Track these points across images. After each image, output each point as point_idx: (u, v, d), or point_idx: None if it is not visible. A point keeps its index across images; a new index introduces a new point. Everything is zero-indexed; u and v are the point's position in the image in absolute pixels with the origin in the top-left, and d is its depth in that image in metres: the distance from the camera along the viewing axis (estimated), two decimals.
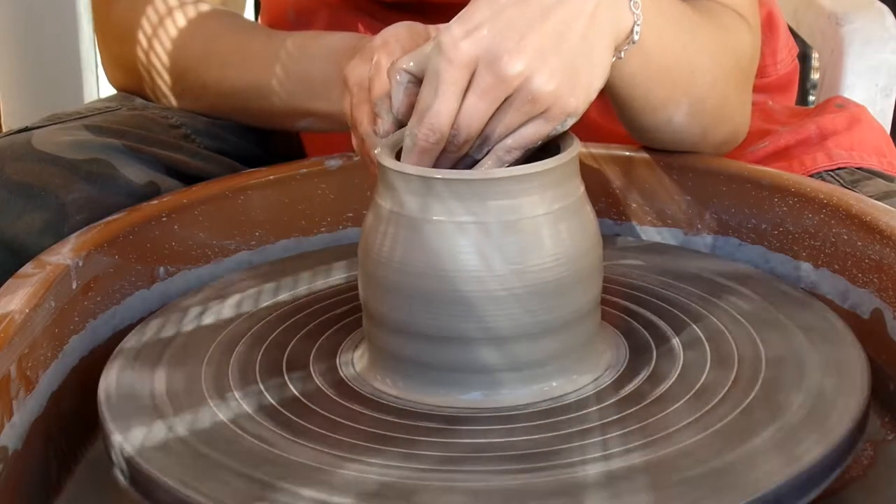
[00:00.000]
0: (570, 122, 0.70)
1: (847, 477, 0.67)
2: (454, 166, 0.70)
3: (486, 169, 0.70)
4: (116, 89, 1.09)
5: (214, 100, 1.01)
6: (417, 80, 0.71)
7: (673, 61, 0.83)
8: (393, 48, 0.77)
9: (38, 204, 0.85)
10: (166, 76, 1.02)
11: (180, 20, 1.00)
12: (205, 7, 1.01)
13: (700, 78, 0.86)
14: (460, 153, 0.70)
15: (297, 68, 0.95)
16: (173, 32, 1.00)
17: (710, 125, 0.90)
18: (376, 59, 0.77)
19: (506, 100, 0.69)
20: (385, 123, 0.74)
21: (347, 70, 0.81)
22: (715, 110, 0.89)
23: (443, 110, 0.68)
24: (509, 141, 0.70)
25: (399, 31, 0.79)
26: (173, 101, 1.03)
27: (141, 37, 1.01)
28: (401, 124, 0.73)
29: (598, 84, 0.72)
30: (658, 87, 0.83)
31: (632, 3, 0.74)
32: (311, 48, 0.94)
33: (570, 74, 0.69)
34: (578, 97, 0.70)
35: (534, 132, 0.70)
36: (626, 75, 0.80)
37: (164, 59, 1.01)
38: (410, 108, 0.71)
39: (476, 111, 0.68)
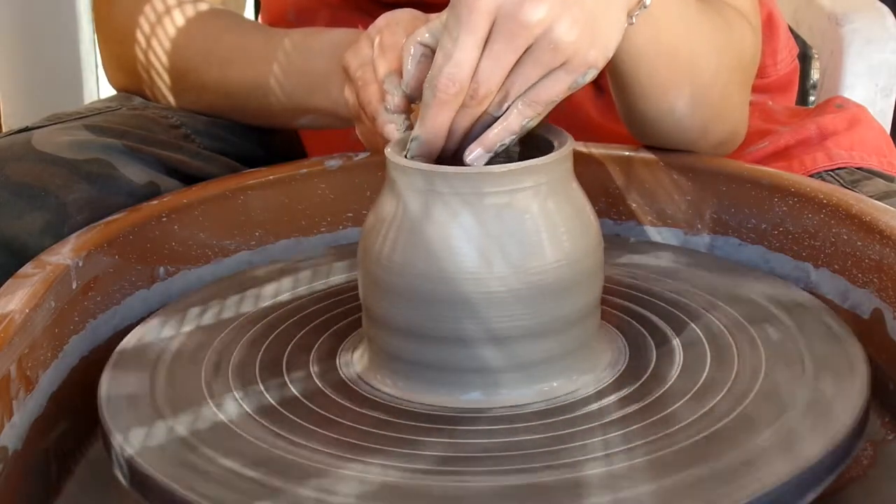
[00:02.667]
0: (591, 75, 0.70)
1: (847, 477, 0.67)
2: (474, 125, 0.70)
3: (506, 126, 0.69)
4: (116, 89, 1.09)
5: (214, 99, 1.01)
6: (431, 54, 0.71)
7: (678, 42, 0.83)
8: (395, 30, 0.76)
9: (38, 204, 0.85)
10: (166, 76, 1.02)
11: (180, 20, 1.00)
12: (204, 6, 1.01)
13: (704, 68, 0.86)
14: (480, 108, 0.69)
15: (296, 64, 0.95)
16: (173, 32, 1.00)
17: (712, 120, 0.90)
18: (379, 41, 0.76)
19: (526, 51, 0.68)
20: (395, 98, 0.73)
21: (347, 58, 0.80)
22: (717, 104, 0.89)
23: (463, 59, 0.67)
24: (530, 94, 0.69)
25: (399, 15, 0.79)
26: (173, 101, 1.03)
27: (141, 37, 1.01)
28: (410, 100, 0.73)
29: (614, 42, 0.71)
30: (663, 69, 0.83)
31: None
32: (311, 44, 0.94)
33: (591, 25, 0.69)
34: (598, 49, 0.69)
35: (554, 84, 0.69)
36: (634, 48, 0.80)
37: (164, 59, 1.01)
38: (421, 83, 0.70)
39: (497, 61, 0.67)
